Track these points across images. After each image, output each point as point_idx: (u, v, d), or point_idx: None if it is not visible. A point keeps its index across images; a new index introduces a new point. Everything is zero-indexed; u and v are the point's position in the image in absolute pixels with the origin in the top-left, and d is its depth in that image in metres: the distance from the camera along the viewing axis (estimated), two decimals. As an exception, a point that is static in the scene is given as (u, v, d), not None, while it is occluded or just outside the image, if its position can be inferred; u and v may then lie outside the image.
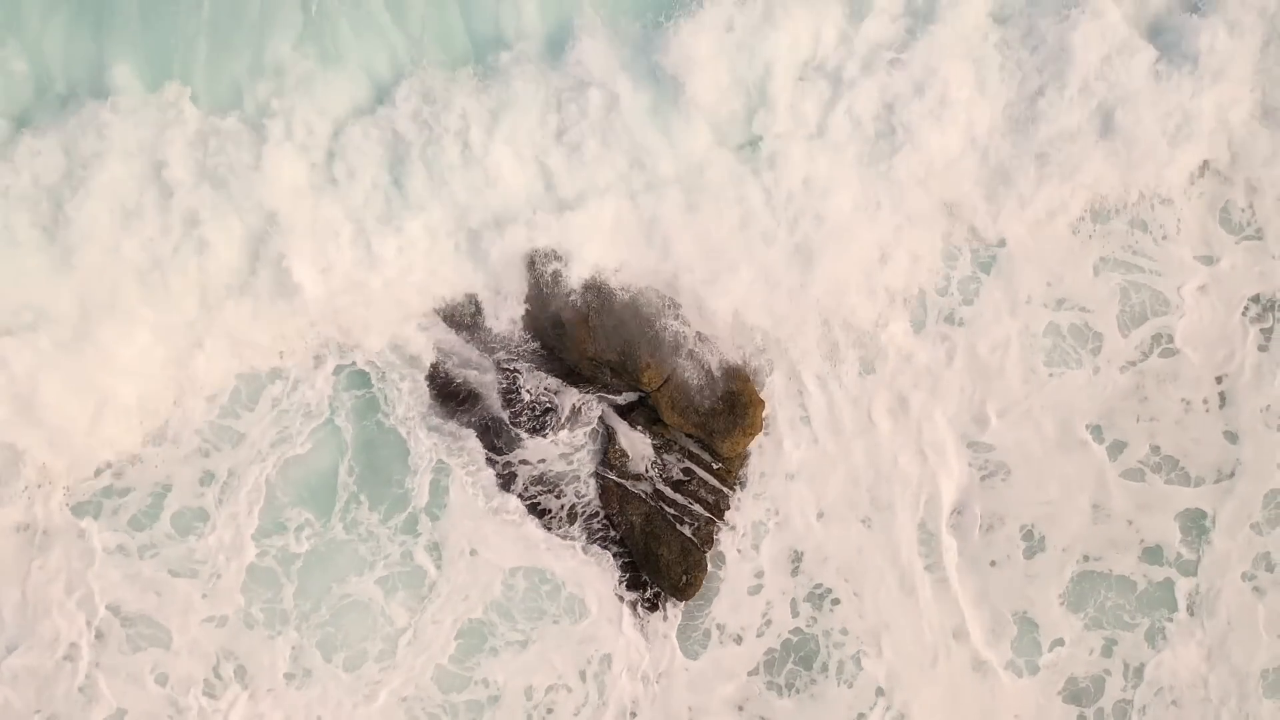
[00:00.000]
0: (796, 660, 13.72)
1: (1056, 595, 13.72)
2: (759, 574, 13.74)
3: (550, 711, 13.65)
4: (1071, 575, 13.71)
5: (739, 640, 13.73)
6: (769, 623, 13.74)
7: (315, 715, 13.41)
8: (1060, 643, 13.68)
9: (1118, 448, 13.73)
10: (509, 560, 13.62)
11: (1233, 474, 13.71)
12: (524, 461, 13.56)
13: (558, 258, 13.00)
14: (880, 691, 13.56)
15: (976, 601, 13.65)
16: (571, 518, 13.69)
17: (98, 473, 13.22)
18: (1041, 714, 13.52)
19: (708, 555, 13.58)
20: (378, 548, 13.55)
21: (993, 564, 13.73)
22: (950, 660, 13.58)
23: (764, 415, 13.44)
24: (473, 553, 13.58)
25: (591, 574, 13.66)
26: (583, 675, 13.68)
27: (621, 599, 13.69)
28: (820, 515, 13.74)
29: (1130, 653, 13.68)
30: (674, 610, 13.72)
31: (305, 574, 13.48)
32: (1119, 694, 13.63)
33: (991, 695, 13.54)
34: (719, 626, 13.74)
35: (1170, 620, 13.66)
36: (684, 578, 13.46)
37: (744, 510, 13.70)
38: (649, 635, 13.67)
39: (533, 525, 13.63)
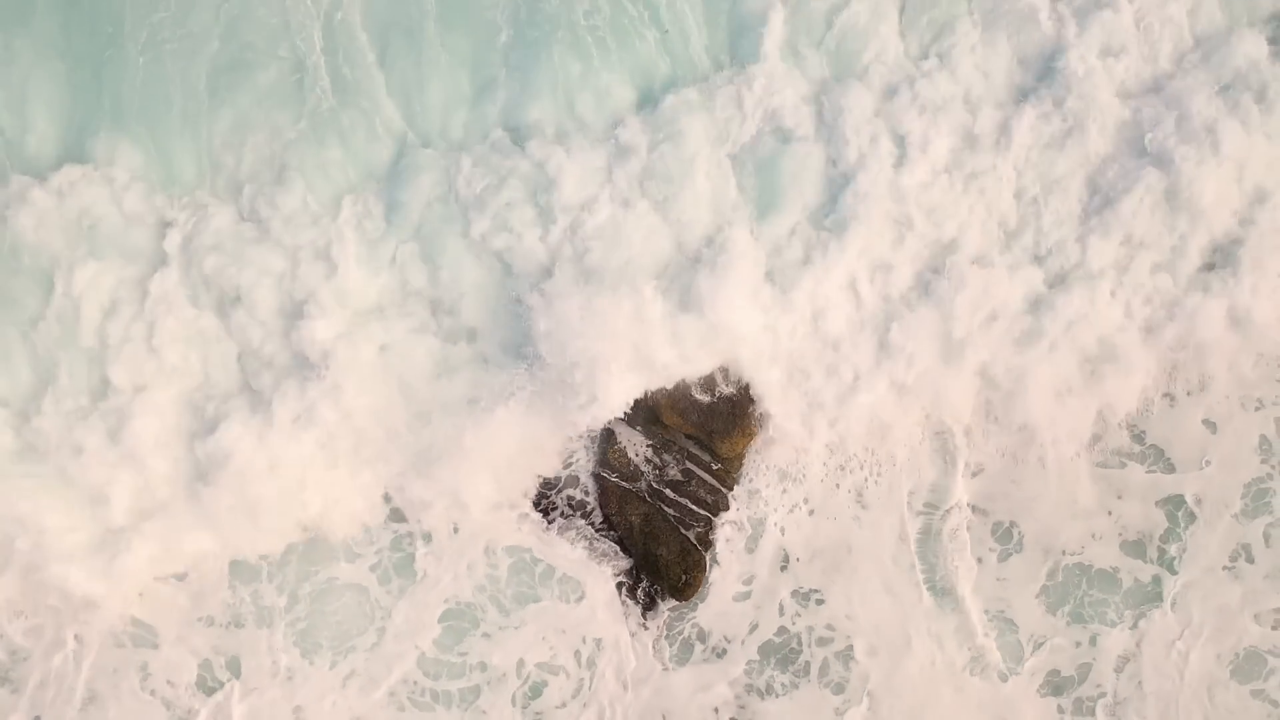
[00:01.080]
0: (781, 660, 13.75)
1: (1035, 592, 13.86)
2: (748, 575, 13.76)
3: (537, 695, 13.57)
4: (1050, 570, 13.87)
5: (726, 644, 13.73)
6: (755, 624, 13.74)
7: (313, 711, 13.26)
8: (1043, 638, 13.85)
9: (1094, 439, 13.87)
10: (503, 551, 13.53)
11: (1211, 462, 13.89)
12: (521, 461, 13.48)
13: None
14: (869, 693, 13.65)
15: (966, 600, 13.80)
16: (569, 515, 13.63)
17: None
18: (1030, 711, 13.75)
19: (707, 556, 13.60)
20: (369, 538, 13.38)
21: (979, 562, 13.93)
22: (941, 660, 13.73)
23: (762, 415, 13.37)
24: (458, 531, 13.43)
25: (590, 570, 13.57)
26: (577, 656, 13.57)
27: (617, 593, 13.66)
28: (811, 513, 13.80)
29: (1110, 644, 13.83)
30: (667, 609, 13.71)
31: (293, 568, 13.29)
32: (1099, 684, 13.84)
33: (985, 694, 13.75)
34: (707, 628, 13.74)
35: (1151, 610, 13.83)
36: (683, 578, 13.47)
37: (736, 508, 13.69)
38: (641, 634, 13.66)
39: (531, 520, 13.55)
